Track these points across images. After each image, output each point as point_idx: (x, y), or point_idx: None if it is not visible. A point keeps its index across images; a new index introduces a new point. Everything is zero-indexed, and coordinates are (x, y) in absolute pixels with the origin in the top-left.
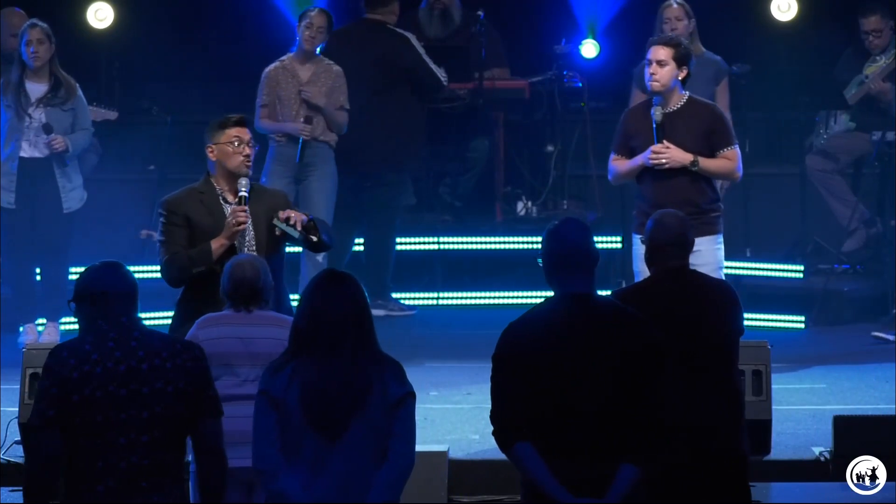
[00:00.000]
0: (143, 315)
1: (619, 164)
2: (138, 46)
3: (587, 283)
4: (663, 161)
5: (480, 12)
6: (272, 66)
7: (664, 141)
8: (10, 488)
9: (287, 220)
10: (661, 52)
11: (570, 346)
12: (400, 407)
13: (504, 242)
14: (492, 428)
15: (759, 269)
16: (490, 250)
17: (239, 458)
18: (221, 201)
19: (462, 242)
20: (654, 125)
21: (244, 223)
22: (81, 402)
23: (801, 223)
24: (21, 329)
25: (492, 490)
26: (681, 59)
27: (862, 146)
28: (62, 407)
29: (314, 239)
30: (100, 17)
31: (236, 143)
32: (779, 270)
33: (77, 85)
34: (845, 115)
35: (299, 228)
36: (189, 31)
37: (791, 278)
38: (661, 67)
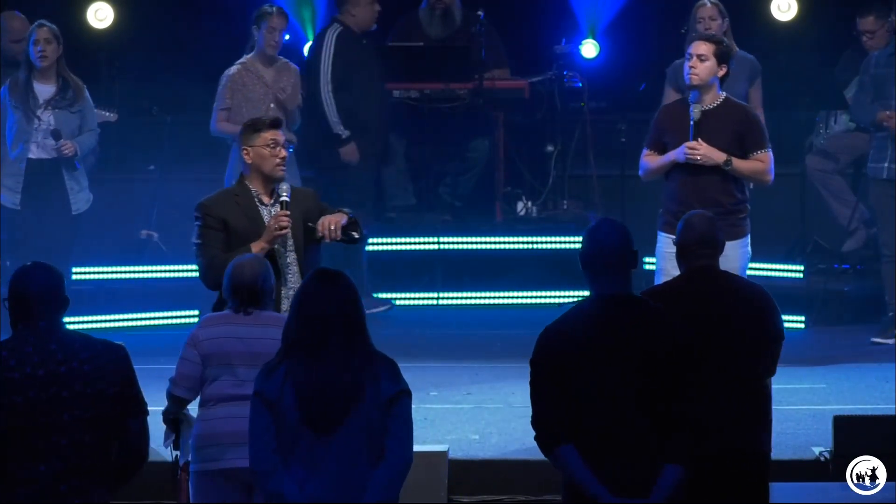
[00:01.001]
0: (145, 315)
1: (650, 160)
2: (138, 46)
3: (621, 284)
4: (698, 157)
5: (480, 12)
6: (233, 69)
7: (699, 139)
8: None
9: (325, 237)
10: (702, 47)
11: (604, 348)
12: (394, 405)
13: (504, 242)
14: (490, 429)
15: (759, 269)
16: (490, 250)
17: (239, 458)
18: (257, 203)
19: (462, 242)
20: (692, 122)
21: (287, 228)
22: (1, 409)
23: (801, 223)
24: None
25: (492, 490)
26: (721, 57)
27: (862, 146)
28: None
29: (356, 236)
30: (100, 17)
31: (272, 146)
32: (779, 270)
33: (84, 86)
34: (845, 115)
35: (339, 237)
36: (189, 32)
37: (791, 278)
38: (701, 62)
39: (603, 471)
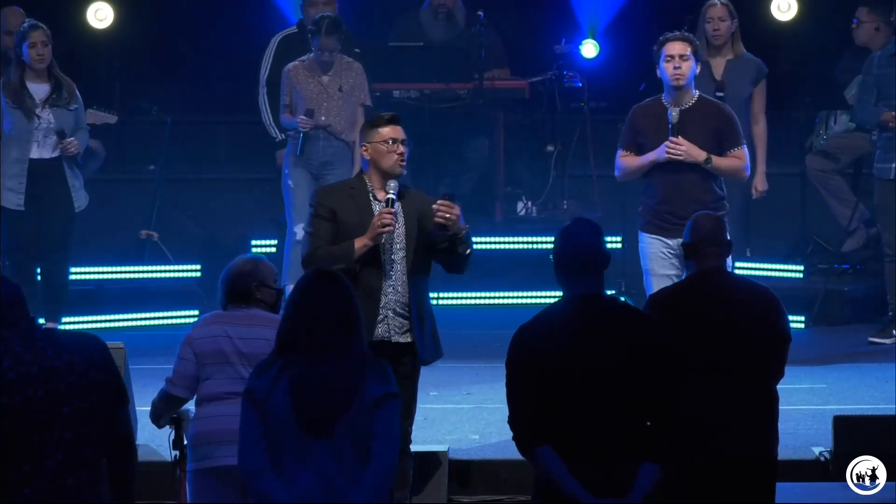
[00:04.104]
0: (145, 315)
1: (627, 161)
2: (138, 46)
3: (596, 283)
4: (680, 154)
5: (481, 12)
6: (292, 63)
7: (679, 136)
8: None
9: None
10: (683, 47)
11: (579, 348)
12: (380, 407)
13: (504, 242)
14: (490, 429)
15: (759, 269)
16: (490, 250)
17: (233, 456)
18: (371, 199)
19: None
20: (671, 124)
21: (389, 225)
22: (1, 412)
23: (801, 223)
24: None
25: (492, 490)
26: (696, 55)
27: (862, 146)
28: None
29: (460, 249)
30: (100, 17)
31: (390, 143)
32: (779, 270)
33: (74, 85)
34: (845, 115)
35: (453, 221)
36: (189, 31)
37: (791, 278)
38: (684, 62)
39: (580, 471)
